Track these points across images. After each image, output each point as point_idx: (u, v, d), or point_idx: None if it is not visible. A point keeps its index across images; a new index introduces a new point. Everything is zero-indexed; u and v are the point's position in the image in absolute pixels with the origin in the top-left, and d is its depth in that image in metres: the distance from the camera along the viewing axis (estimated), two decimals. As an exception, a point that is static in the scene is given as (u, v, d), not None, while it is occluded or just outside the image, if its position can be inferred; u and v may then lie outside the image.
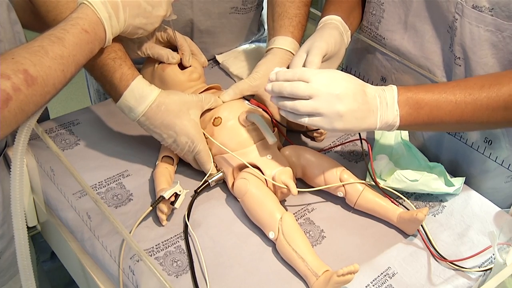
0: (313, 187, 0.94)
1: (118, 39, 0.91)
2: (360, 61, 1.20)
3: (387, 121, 0.85)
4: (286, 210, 0.88)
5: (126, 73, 0.90)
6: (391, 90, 0.86)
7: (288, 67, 1.00)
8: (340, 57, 1.01)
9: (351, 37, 1.06)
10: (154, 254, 0.85)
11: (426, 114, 0.84)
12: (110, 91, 0.92)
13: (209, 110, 0.98)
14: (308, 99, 0.82)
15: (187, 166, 0.99)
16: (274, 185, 0.90)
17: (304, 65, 0.93)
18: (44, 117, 1.14)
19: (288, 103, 0.83)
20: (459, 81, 0.92)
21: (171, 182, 0.94)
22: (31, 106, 0.71)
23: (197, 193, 0.93)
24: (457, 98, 0.84)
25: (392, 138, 1.06)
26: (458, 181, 0.97)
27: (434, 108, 0.84)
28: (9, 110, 0.67)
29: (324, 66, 0.97)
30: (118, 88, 0.90)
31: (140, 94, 0.90)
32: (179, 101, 0.93)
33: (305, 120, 0.84)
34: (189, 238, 0.88)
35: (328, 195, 0.96)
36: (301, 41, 1.09)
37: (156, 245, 0.87)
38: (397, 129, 0.87)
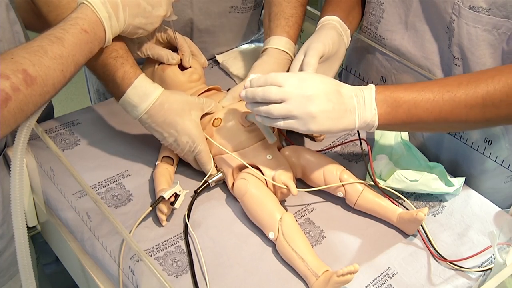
0: (313, 187, 0.94)
1: (119, 38, 0.91)
2: (360, 61, 1.20)
3: (365, 120, 0.84)
4: (286, 210, 0.88)
5: (129, 72, 0.90)
6: (369, 89, 0.85)
7: (288, 71, 1.01)
8: (340, 57, 1.01)
9: (351, 36, 1.06)
10: (154, 254, 0.85)
11: (404, 113, 0.84)
12: (112, 89, 0.93)
13: (208, 113, 0.98)
14: (281, 103, 0.82)
15: (187, 166, 0.99)
16: (274, 185, 0.90)
17: (301, 67, 0.93)
18: (48, 116, 1.14)
19: (262, 108, 0.84)
20: (438, 79, 0.92)
21: (171, 183, 0.94)
22: (30, 106, 0.71)
23: (197, 193, 0.93)
24: (435, 95, 0.83)
25: (392, 138, 1.06)
26: (458, 181, 0.96)
27: (412, 106, 0.83)
28: (8, 110, 0.67)
29: (324, 66, 0.97)
30: (121, 86, 0.90)
31: (143, 92, 0.90)
32: (181, 100, 0.93)
33: (280, 124, 0.84)
34: (189, 238, 0.87)
35: (328, 195, 0.96)
36: (297, 40, 1.09)
37: (156, 245, 0.87)
38: (377, 129, 0.86)
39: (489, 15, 0.90)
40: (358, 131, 0.99)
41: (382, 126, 0.86)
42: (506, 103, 0.80)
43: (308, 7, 1.16)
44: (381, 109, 0.84)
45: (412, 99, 0.84)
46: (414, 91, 0.84)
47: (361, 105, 0.84)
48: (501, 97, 0.80)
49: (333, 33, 0.99)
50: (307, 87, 0.82)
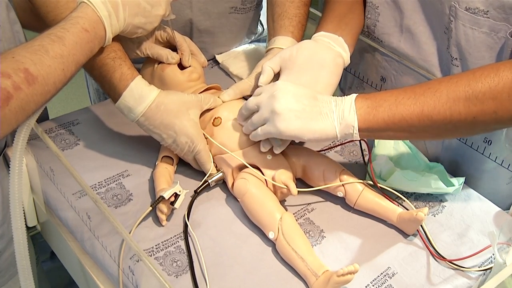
0: (313, 187, 0.94)
1: (117, 39, 0.91)
2: (359, 61, 1.20)
3: (346, 124, 0.83)
4: (286, 210, 0.88)
5: (126, 73, 0.90)
6: (350, 95, 0.86)
7: None
8: (325, 65, 0.95)
9: (356, 39, 1.05)
10: (154, 254, 0.85)
11: (385, 111, 0.82)
12: (109, 91, 0.92)
13: (208, 110, 0.98)
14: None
15: (187, 166, 0.99)
16: (274, 185, 0.90)
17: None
18: (43, 117, 1.14)
19: (248, 122, 0.90)
20: (421, 83, 0.92)
21: (171, 182, 0.94)
22: (31, 105, 0.71)
23: (197, 193, 0.93)
24: (416, 93, 0.82)
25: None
26: (458, 181, 0.96)
27: (393, 104, 0.82)
28: (9, 109, 0.67)
29: (306, 75, 0.94)
30: (118, 88, 0.90)
31: (139, 94, 0.90)
32: (178, 101, 0.93)
33: (258, 132, 0.88)
34: (189, 238, 0.87)
35: (328, 195, 0.96)
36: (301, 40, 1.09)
37: (156, 245, 0.87)
38: (359, 133, 0.84)
39: (487, 18, 0.89)
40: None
41: (364, 130, 0.84)
42: (489, 96, 0.78)
43: (308, 8, 1.16)
44: (361, 109, 0.83)
45: (393, 98, 0.83)
46: (395, 92, 0.84)
47: (340, 107, 0.84)
48: (484, 90, 0.78)
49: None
50: (274, 88, 0.86)
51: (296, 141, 0.95)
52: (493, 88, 0.77)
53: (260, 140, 0.93)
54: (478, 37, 0.92)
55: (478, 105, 0.78)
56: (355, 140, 1.08)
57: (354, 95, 0.85)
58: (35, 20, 0.95)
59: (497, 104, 0.78)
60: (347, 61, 1.00)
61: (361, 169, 1.01)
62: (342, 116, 0.84)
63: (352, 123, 0.83)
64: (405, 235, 0.91)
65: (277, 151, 0.92)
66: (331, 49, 0.98)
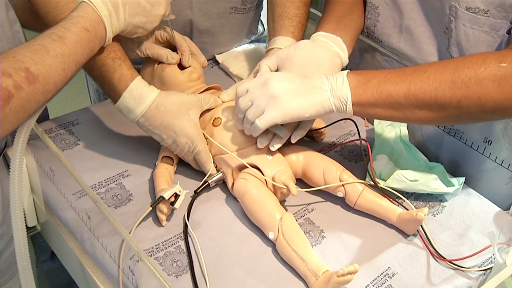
0: (313, 187, 0.94)
1: (117, 39, 0.91)
2: (359, 62, 1.20)
3: (339, 95, 0.86)
4: (286, 210, 0.88)
5: (125, 74, 0.90)
6: (342, 71, 0.88)
7: None
8: (322, 65, 0.96)
9: (355, 40, 1.05)
10: (154, 255, 0.85)
11: (374, 86, 0.85)
12: (109, 91, 0.92)
13: (209, 110, 0.98)
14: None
15: (187, 166, 0.99)
16: (274, 185, 0.90)
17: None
18: (43, 117, 1.14)
19: (245, 120, 0.89)
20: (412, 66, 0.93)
21: (171, 183, 0.94)
22: (32, 104, 0.71)
23: (197, 193, 0.93)
24: (405, 72, 0.85)
25: (392, 137, 1.06)
26: (458, 181, 0.97)
27: (382, 80, 0.85)
28: (10, 108, 0.67)
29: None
30: (117, 88, 0.90)
31: (139, 94, 0.90)
32: (178, 101, 0.93)
33: (257, 125, 0.87)
34: (189, 238, 0.87)
35: (328, 195, 0.96)
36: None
37: (156, 245, 0.87)
38: (352, 106, 0.86)
39: (487, 16, 0.89)
40: (358, 131, 0.99)
41: (355, 104, 0.86)
42: (474, 81, 0.79)
43: (308, 8, 1.16)
44: (352, 82, 0.86)
45: (383, 75, 0.85)
46: (385, 71, 0.87)
47: (333, 81, 0.86)
48: (470, 75, 0.80)
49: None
50: (264, 78, 0.87)
51: (292, 141, 0.95)
52: (479, 74, 0.79)
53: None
54: (479, 36, 0.92)
55: (463, 89, 0.80)
56: (355, 140, 1.08)
57: (346, 71, 0.88)
58: (35, 20, 0.95)
59: (481, 90, 0.79)
60: (345, 61, 1.00)
61: (361, 169, 1.01)
62: (335, 88, 0.86)
63: (346, 95, 0.86)
64: (405, 235, 0.91)
65: (274, 148, 0.92)
66: (329, 49, 0.98)
